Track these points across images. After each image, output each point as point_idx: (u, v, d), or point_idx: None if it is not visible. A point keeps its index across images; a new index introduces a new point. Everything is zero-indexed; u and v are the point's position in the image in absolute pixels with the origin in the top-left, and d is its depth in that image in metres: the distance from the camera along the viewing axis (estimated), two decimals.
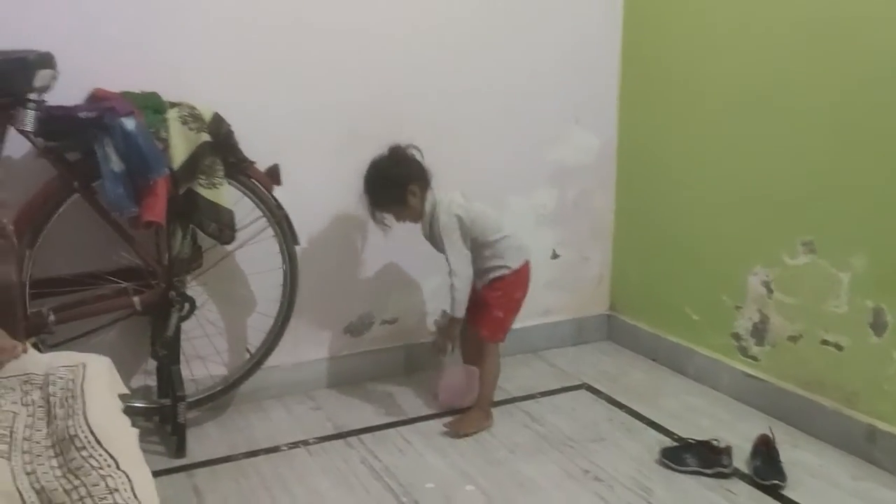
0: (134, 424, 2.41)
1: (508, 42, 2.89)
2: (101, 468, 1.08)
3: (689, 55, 2.81)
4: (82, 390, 1.27)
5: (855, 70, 2.25)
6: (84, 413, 1.21)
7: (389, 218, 2.50)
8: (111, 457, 1.11)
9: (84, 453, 1.10)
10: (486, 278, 2.51)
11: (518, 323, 3.09)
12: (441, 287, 2.94)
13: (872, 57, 2.20)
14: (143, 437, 2.37)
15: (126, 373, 2.47)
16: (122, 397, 1.44)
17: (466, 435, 2.42)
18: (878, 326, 2.25)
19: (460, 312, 2.45)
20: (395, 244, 2.81)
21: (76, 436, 1.15)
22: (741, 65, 2.61)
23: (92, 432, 1.16)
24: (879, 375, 2.25)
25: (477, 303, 2.52)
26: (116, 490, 1.04)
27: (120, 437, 1.18)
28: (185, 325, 2.45)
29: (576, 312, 3.24)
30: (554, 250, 3.14)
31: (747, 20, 2.57)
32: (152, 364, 2.47)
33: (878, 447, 2.25)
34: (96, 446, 1.13)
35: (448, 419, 2.50)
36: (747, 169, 2.62)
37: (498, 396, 2.73)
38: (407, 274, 2.88)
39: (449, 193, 2.46)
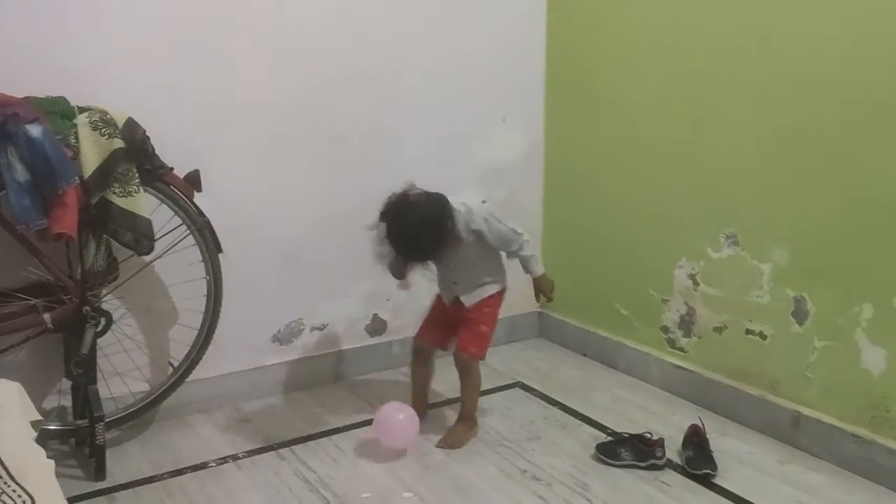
0: (49, 448, 2.33)
1: (435, 41, 2.86)
2: None
3: (613, 54, 2.85)
4: None
5: (775, 69, 2.31)
6: None
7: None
8: (27, 493, 1.02)
9: None
10: (477, 294, 2.40)
11: None
12: (372, 292, 2.90)
13: (792, 58, 2.26)
14: (60, 461, 2.29)
15: (38, 394, 2.35)
16: (36, 423, 1.34)
17: (460, 446, 2.37)
18: (799, 315, 2.32)
19: (541, 268, 2.46)
20: (323, 249, 2.76)
21: None
22: (664, 64, 2.65)
23: (4, 466, 1.07)
24: (802, 363, 2.32)
25: (455, 320, 2.43)
26: None
27: (35, 470, 1.10)
28: (101, 341, 2.33)
29: (507, 311, 3.18)
30: None
31: (669, 20, 2.61)
32: (67, 384, 2.34)
33: (802, 432, 2.32)
34: (10, 481, 1.04)
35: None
36: (672, 164, 2.66)
37: (432, 399, 2.70)
38: (336, 279, 2.82)
39: (459, 202, 2.32)
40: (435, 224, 2.21)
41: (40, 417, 1.38)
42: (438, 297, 2.51)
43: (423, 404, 2.52)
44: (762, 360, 2.44)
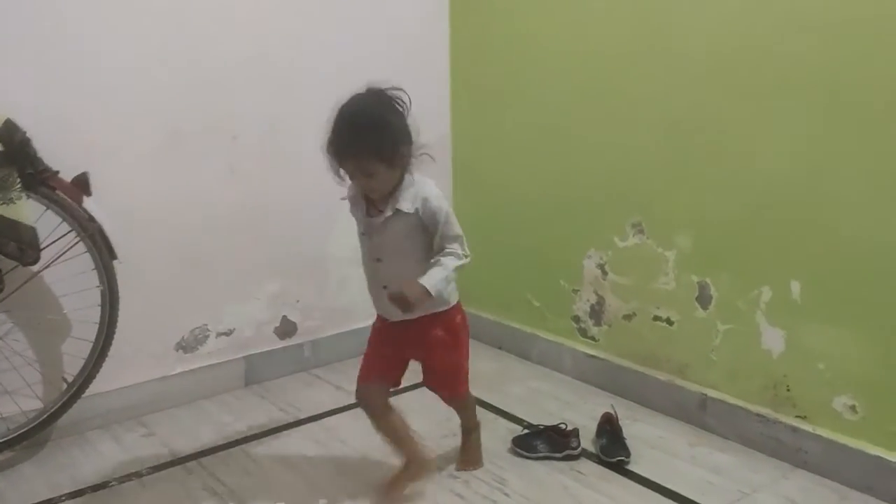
0: None
1: (339, 38, 2.81)
2: None
3: (515, 48, 2.85)
4: None
5: (671, 66, 2.36)
6: None
7: (349, 184, 1.92)
8: None
9: None
10: (445, 303, 2.00)
11: (361, 323, 3.02)
12: (281, 293, 2.82)
13: (686, 55, 2.31)
14: None
15: None
16: None
17: (482, 463, 2.22)
18: (703, 300, 2.38)
19: (437, 292, 1.87)
20: (226, 250, 2.66)
21: None
22: (567, 61, 2.67)
23: None
24: (707, 346, 2.38)
25: (404, 346, 2.03)
26: None
27: None
28: None
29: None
30: None
31: (571, 18, 2.63)
32: None
33: (709, 414, 2.38)
34: None
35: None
36: (578, 157, 2.69)
37: (345, 400, 2.65)
38: (242, 281, 2.73)
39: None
40: (391, 125, 1.80)
41: None
42: (374, 330, 2.11)
43: (414, 451, 2.07)
44: (670, 346, 2.49)
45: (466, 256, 1.93)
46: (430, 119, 3.07)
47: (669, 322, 2.49)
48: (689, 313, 2.42)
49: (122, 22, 2.35)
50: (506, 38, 2.88)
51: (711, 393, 2.38)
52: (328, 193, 2.85)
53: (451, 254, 1.91)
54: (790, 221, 2.13)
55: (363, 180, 1.84)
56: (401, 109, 1.86)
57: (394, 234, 1.90)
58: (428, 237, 1.93)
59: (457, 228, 1.94)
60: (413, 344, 2.03)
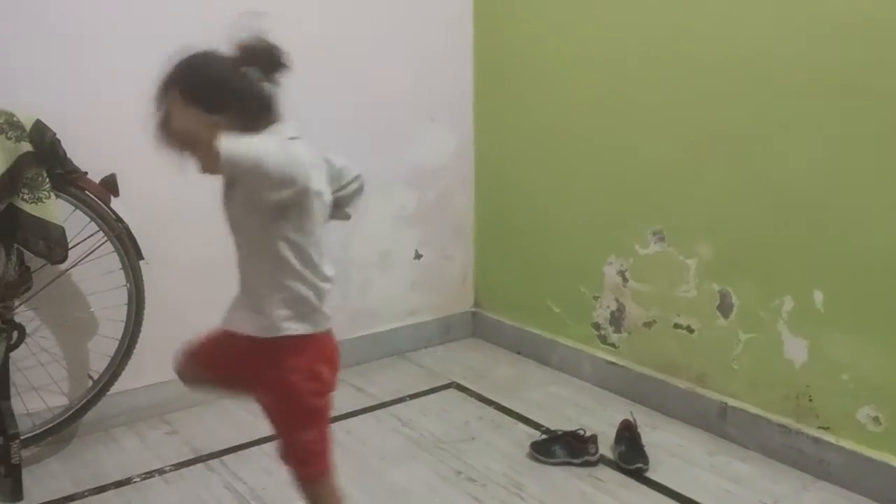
0: None
1: (361, 40, 2.82)
2: None
3: (541, 52, 2.85)
4: None
5: (694, 71, 2.35)
6: None
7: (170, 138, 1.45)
8: None
9: None
10: (267, 325, 1.44)
11: (383, 326, 3.06)
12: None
13: (709, 60, 2.31)
14: None
15: None
16: None
17: None
18: (724, 308, 2.37)
19: (228, 149, 1.30)
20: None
21: None
22: (591, 63, 2.67)
23: None
24: (728, 355, 2.37)
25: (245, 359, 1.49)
26: None
27: None
28: (16, 355, 2.22)
29: (441, 311, 3.22)
30: (416, 251, 3.10)
31: (599, 19, 2.63)
32: None
33: (729, 423, 2.37)
34: None
35: None
36: (599, 164, 2.69)
37: (366, 402, 2.67)
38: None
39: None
40: (219, 72, 1.45)
41: None
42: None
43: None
44: (690, 354, 2.48)
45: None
46: (452, 124, 3.11)
47: (690, 330, 2.48)
48: (710, 321, 2.41)
49: (149, 26, 2.39)
50: (528, 43, 2.89)
51: (732, 402, 2.37)
52: None
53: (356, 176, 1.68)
54: (813, 230, 2.12)
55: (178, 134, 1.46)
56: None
57: (238, 193, 1.49)
58: (265, 214, 1.41)
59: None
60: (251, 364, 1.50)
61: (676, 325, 2.51)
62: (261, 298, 1.45)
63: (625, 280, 2.66)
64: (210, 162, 1.32)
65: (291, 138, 1.44)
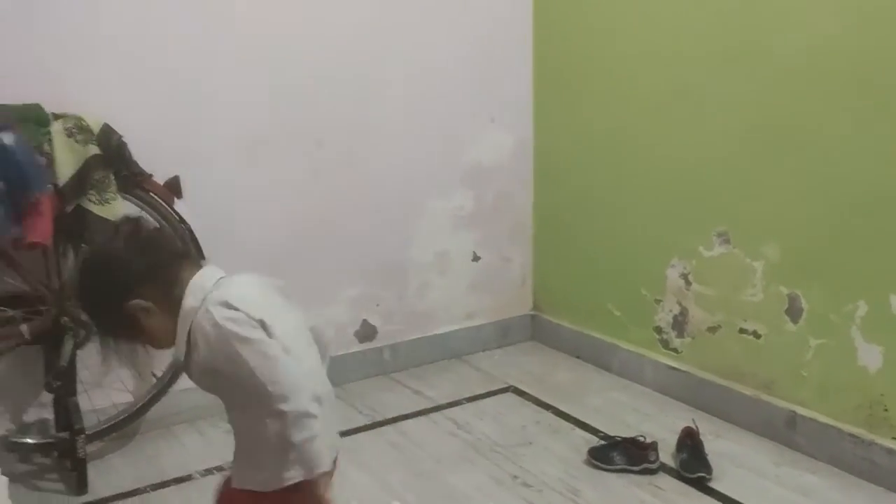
0: (31, 461, 2.29)
1: (421, 41, 2.83)
2: None
3: (601, 52, 2.80)
4: None
5: (763, 66, 2.27)
6: None
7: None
8: None
9: None
10: (238, 473, 1.36)
11: (441, 328, 3.05)
12: (361, 296, 2.86)
13: (780, 54, 2.23)
14: (41, 475, 2.25)
15: (19, 406, 2.31)
16: (17, 433, 1.29)
17: None
18: (793, 313, 2.27)
19: (324, 463, 1.27)
20: (308, 253, 2.71)
21: None
22: (653, 62, 2.61)
23: None
24: (797, 361, 2.27)
25: None
26: None
27: None
28: (82, 353, 2.29)
29: (499, 314, 3.19)
30: (474, 252, 3.08)
31: (656, 18, 2.57)
32: (48, 396, 2.29)
33: (798, 432, 2.27)
34: None
35: None
36: (662, 164, 2.62)
37: (423, 405, 2.66)
38: (322, 284, 2.77)
39: (216, 278, 1.33)
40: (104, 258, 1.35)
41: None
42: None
43: None
44: (756, 360, 2.39)
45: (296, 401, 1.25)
46: (511, 123, 3.08)
47: (756, 335, 2.39)
48: (778, 326, 2.32)
49: (213, 34, 2.44)
50: (588, 40, 2.84)
51: (801, 410, 2.27)
52: (408, 200, 2.90)
53: (280, 412, 1.27)
54: (888, 230, 2.02)
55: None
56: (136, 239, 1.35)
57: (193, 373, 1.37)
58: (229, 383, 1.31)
59: (252, 362, 1.25)
60: None
61: (742, 330, 2.43)
62: (238, 449, 1.44)
63: (688, 283, 2.58)
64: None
65: (220, 279, 1.33)
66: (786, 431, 2.30)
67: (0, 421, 2.27)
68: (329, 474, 1.32)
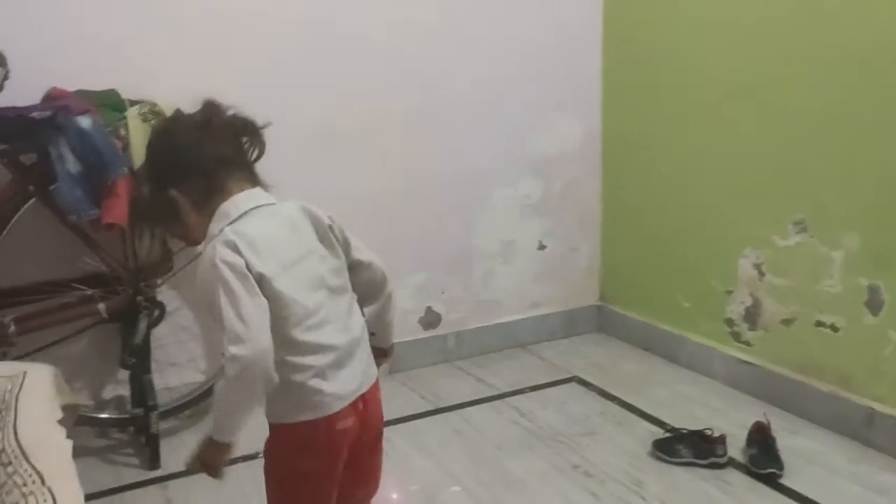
0: (109, 437, 2.39)
1: (486, 29, 2.81)
2: (24, 485, 1.00)
3: (673, 37, 2.73)
4: (17, 401, 1.19)
5: (844, 43, 2.17)
6: (14, 425, 1.12)
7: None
8: (37, 472, 1.02)
9: (9, 469, 1.02)
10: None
11: (506, 317, 3.04)
12: (426, 284, 2.87)
13: (862, 31, 2.12)
14: (118, 450, 2.34)
15: (99, 383, 2.41)
16: (73, 406, 1.36)
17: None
18: (873, 305, 2.17)
19: (229, 431, 1.33)
20: (373, 239, 2.73)
21: (3, 450, 1.07)
22: (728, 46, 2.53)
23: (20, 446, 1.07)
24: (876, 356, 2.17)
25: None
26: None
27: (50, 450, 1.10)
28: (157, 332, 2.37)
29: (565, 304, 3.16)
30: (540, 241, 3.05)
31: (734, 1, 2.50)
32: (125, 374, 2.39)
33: (876, 430, 2.17)
34: (22, 461, 1.05)
35: None
36: (735, 150, 2.54)
37: (486, 392, 2.66)
38: (388, 270, 2.78)
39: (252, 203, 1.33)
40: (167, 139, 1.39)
41: (77, 402, 1.39)
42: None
43: None
44: (833, 354, 2.29)
45: (231, 359, 1.19)
46: (580, 111, 3.04)
47: (834, 328, 2.29)
48: (857, 319, 2.21)
49: (276, 22, 2.48)
50: (661, 23, 2.77)
51: (879, 407, 2.17)
52: (474, 188, 2.89)
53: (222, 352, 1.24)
54: None
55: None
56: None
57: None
58: None
59: (225, 298, 1.19)
60: None
61: (819, 323, 2.33)
62: None
63: (761, 274, 2.50)
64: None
65: (253, 208, 1.30)
66: (863, 429, 2.20)
67: (79, 396, 2.38)
68: (345, 415, 1.30)
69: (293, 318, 1.24)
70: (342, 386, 1.29)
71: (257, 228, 1.26)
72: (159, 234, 2.22)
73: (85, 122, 1.94)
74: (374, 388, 1.37)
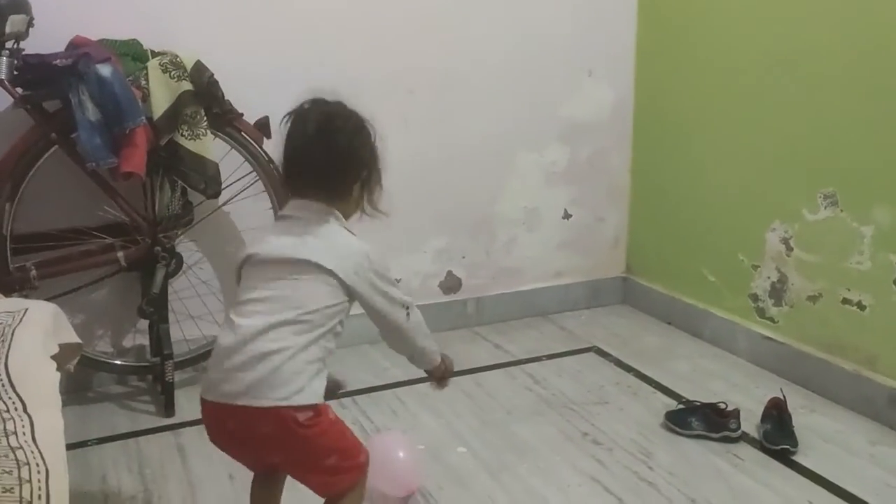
0: (128, 384, 2.43)
1: None
2: (6, 410, 1.02)
3: (710, 4, 2.64)
4: (13, 333, 1.21)
5: (877, 20, 2.08)
6: (6, 356, 1.14)
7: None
8: (20, 399, 1.04)
9: None
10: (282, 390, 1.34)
11: (528, 285, 3.01)
12: (447, 248, 2.85)
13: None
14: (135, 396, 2.39)
15: (119, 332, 2.45)
16: (72, 346, 1.38)
17: None
18: None
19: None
20: (395, 202, 2.72)
21: None
22: (762, 16, 2.44)
23: (8, 374, 1.09)
24: None
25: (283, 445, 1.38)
26: (14, 433, 0.96)
27: (37, 380, 1.12)
28: (177, 285, 2.41)
29: (590, 275, 3.11)
30: (566, 210, 3.01)
31: None
32: (145, 324, 2.43)
33: None
34: (9, 389, 1.06)
35: None
36: (767, 121, 2.46)
37: (502, 358, 2.65)
38: (409, 233, 2.78)
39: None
40: (361, 131, 1.55)
41: (78, 341, 1.41)
42: None
43: None
44: (860, 333, 2.22)
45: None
46: (611, 78, 2.97)
47: (861, 306, 2.21)
48: (886, 297, 2.14)
49: None
50: None
51: None
52: (499, 153, 2.85)
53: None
54: None
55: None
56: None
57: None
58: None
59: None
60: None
61: (846, 301, 2.26)
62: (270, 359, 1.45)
63: (789, 248, 2.42)
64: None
65: None
66: (887, 410, 2.14)
67: (99, 344, 2.43)
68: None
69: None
70: None
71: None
72: (179, 186, 2.24)
73: (105, 69, 1.95)
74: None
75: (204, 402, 1.44)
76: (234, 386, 1.35)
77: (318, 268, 1.38)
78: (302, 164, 1.49)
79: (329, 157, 1.46)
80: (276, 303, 1.37)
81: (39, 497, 0.86)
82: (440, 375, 1.68)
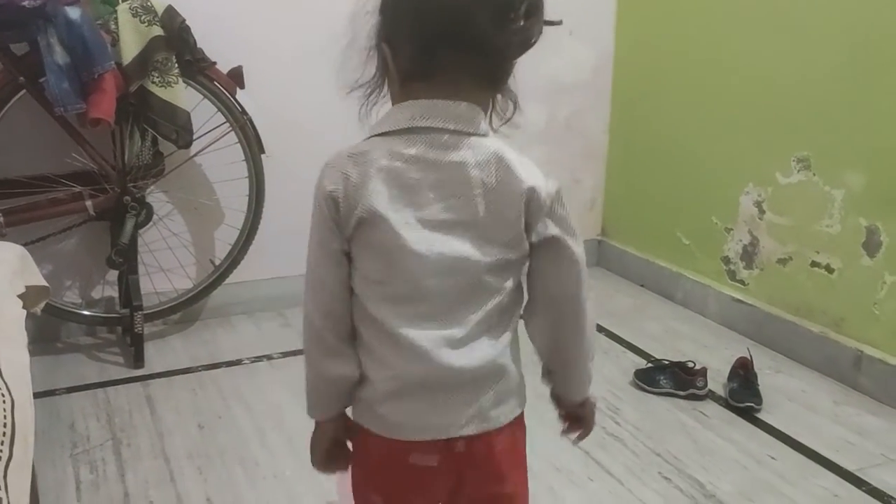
0: (97, 335, 2.42)
1: None
2: None
3: None
4: None
5: None
6: None
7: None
8: None
9: None
10: (500, 409, 0.98)
11: None
12: None
13: None
14: (104, 348, 2.37)
15: (89, 283, 2.43)
16: (40, 288, 1.36)
17: None
18: (870, 246, 2.12)
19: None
20: None
21: None
22: None
23: None
24: (869, 299, 2.13)
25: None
26: None
27: (2, 314, 1.10)
28: (147, 237, 2.38)
29: None
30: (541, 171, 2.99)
31: None
32: (115, 275, 2.40)
33: (863, 373, 2.14)
34: None
35: None
36: (745, 85, 2.45)
37: None
38: None
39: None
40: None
41: (44, 284, 1.39)
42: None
43: None
44: (827, 295, 2.25)
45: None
46: (591, 37, 2.93)
47: (829, 269, 2.24)
48: (853, 261, 2.17)
49: None
50: None
51: (869, 350, 2.13)
52: None
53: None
54: None
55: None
56: None
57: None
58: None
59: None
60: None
61: (814, 264, 2.28)
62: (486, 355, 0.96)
63: (761, 211, 2.44)
64: None
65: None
66: (851, 371, 2.18)
67: (68, 294, 2.40)
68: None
69: None
70: None
71: None
72: (150, 134, 2.20)
73: (74, 12, 1.91)
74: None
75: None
76: None
77: None
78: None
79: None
80: None
81: (4, 425, 0.85)
82: (591, 416, 1.09)
